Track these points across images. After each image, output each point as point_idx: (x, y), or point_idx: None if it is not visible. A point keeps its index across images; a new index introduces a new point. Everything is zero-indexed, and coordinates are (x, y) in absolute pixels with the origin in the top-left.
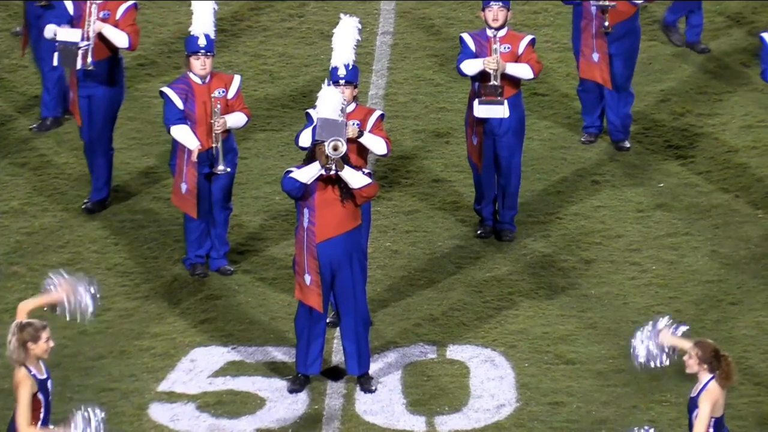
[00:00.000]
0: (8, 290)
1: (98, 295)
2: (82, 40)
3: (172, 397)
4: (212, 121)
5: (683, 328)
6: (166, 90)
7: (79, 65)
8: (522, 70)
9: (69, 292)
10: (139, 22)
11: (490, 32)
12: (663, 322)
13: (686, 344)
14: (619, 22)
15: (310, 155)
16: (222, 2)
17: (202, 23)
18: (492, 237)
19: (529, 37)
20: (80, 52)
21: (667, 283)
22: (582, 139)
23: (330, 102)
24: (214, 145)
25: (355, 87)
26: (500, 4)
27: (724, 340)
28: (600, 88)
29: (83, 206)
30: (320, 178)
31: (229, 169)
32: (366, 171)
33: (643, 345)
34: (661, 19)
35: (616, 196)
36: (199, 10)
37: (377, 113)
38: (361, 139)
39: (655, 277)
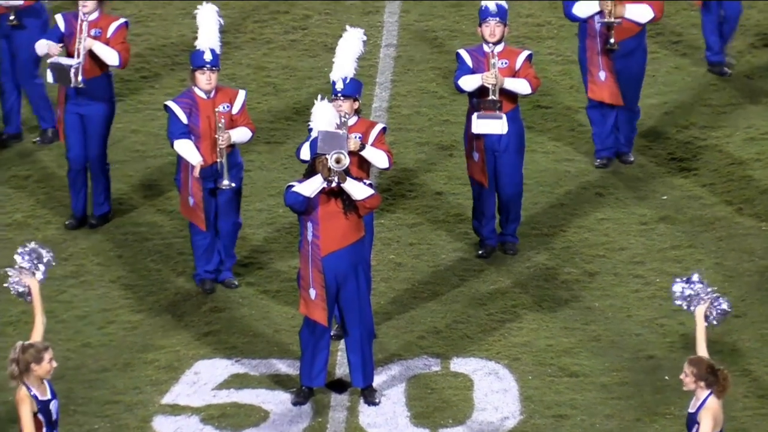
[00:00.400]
0: (11, 303)
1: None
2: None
3: (176, 409)
4: (216, 136)
5: (726, 306)
6: (171, 104)
7: (73, 83)
8: (520, 85)
9: (30, 277)
10: (143, 35)
11: (487, 47)
12: (705, 306)
13: (699, 338)
14: (625, 38)
15: (311, 168)
16: (225, 14)
17: (208, 37)
18: (494, 256)
19: (526, 53)
20: (72, 69)
21: (670, 296)
22: (596, 164)
23: (323, 117)
24: (218, 160)
25: (356, 100)
26: (497, 19)
27: (728, 353)
28: (608, 105)
29: (87, 223)
30: (322, 191)
31: (233, 184)
32: (367, 182)
33: (691, 298)
34: (708, 62)
35: (619, 209)
36: (205, 24)
37: (379, 126)
38: (362, 153)
39: (659, 290)
